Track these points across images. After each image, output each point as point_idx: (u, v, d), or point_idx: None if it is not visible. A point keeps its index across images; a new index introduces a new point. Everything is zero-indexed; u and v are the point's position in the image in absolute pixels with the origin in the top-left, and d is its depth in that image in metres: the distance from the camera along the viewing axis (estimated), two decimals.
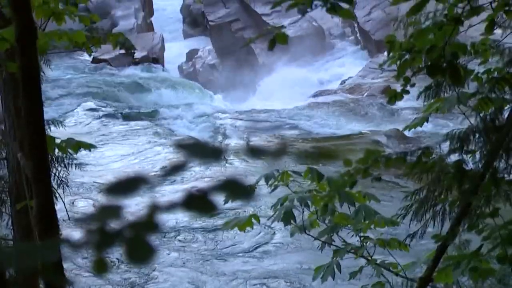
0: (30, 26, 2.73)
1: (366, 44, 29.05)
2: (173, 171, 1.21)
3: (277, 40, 3.06)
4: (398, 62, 4.04)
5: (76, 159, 8.32)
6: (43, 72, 6.65)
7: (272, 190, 5.18)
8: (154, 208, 1.19)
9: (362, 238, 5.12)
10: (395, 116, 20.33)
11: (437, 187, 5.24)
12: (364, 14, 28.89)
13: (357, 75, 25.47)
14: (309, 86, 26.32)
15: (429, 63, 3.68)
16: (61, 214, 8.83)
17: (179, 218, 12.63)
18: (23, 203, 4.43)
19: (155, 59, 27.27)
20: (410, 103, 18.40)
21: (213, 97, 25.87)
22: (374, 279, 5.01)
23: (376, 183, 4.47)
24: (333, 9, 2.92)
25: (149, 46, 27.83)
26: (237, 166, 15.64)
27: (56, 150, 4.82)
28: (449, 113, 5.48)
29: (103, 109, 21.62)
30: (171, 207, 1.20)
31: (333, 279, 4.96)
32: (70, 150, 4.77)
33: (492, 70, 4.83)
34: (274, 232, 12.28)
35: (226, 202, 2.34)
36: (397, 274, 5.05)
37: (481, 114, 5.13)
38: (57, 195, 6.52)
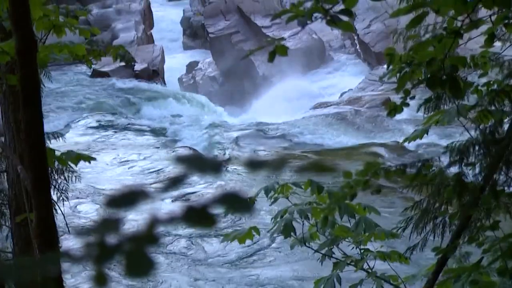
0: (30, 39, 2.74)
1: (366, 56, 29.10)
2: (172, 184, 1.21)
3: (277, 52, 3.07)
4: (398, 75, 4.05)
5: (76, 171, 8.32)
6: (43, 85, 6.65)
7: (272, 203, 5.19)
8: (154, 221, 1.19)
9: (362, 251, 5.11)
10: (395, 128, 20.34)
11: (437, 199, 5.24)
12: (364, 26, 28.95)
13: (357, 87, 25.50)
14: (309, 98, 26.35)
15: (428, 76, 3.69)
16: (60, 227, 8.82)
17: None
18: (23, 215, 4.43)
19: (155, 71, 27.31)
20: (410, 115, 18.41)
21: (214, 109, 25.89)
22: None
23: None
24: (333, 22, 2.93)
25: (149, 58, 27.87)
26: (237, 179, 15.64)
27: (56, 163, 4.82)
28: (449, 125, 5.48)
29: (103, 121, 21.63)
30: (171, 220, 1.20)
31: None
32: (70, 163, 4.77)
33: (491, 82, 4.83)
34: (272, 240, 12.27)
35: (226, 214, 2.34)
36: (397, 287, 5.04)
37: (480, 127, 5.13)
38: (56, 207, 6.51)
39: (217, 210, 1.22)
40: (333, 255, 5.11)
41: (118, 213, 1.19)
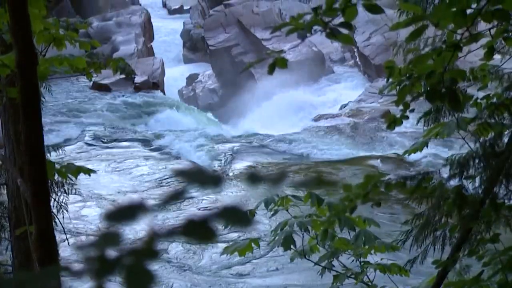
0: (31, 52, 2.75)
1: (366, 68, 29.14)
2: (172, 198, 1.21)
3: (277, 64, 3.07)
4: (397, 88, 4.05)
5: (76, 184, 8.31)
6: (43, 97, 6.66)
7: (272, 215, 5.19)
8: (154, 235, 1.19)
9: (362, 263, 5.11)
10: (394, 140, 20.34)
11: (437, 212, 5.23)
12: (364, 39, 29.00)
13: (357, 100, 25.52)
14: (309, 110, 26.37)
15: (428, 89, 3.69)
16: (60, 239, 8.81)
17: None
18: (23, 228, 4.43)
19: (155, 83, 27.34)
20: (410, 127, 18.42)
21: (213, 121, 25.90)
22: None
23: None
24: (333, 35, 2.93)
25: (149, 71, 27.90)
26: (237, 192, 15.63)
27: (56, 175, 4.81)
28: (449, 138, 5.49)
29: (103, 133, 21.63)
30: (171, 234, 1.20)
31: None
32: (70, 175, 4.77)
33: (491, 95, 4.84)
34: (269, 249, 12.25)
35: (226, 227, 2.34)
36: None
37: (480, 140, 5.13)
38: (56, 220, 6.51)
39: (217, 224, 1.22)
40: (333, 268, 5.11)
41: (117, 227, 1.19)
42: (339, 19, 2.95)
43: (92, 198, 15.37)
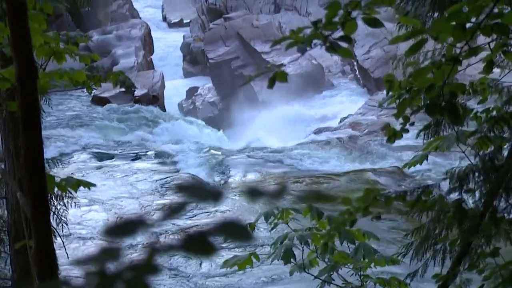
0: (31, 66, 2.75)
1: (366, 82, 29.18)
2: (172, 213, 1.21)
3: (277, 78, 3.08)
4: (397, 101, 4.06)
5: (76, 197, 8.30)
6: (43, 111, 6.66)
7: (272, 228, 5.18)
8: (153, 250, 1.19)
9: (362, 277, 5.10)
10: (394, 153, 20.34)
11: (437, 226, 5.23)
12: (363, 52, 29.05)
13: (357, 113, 25.54)
14: (309, 123, 26.40)
15: (428, 102, 3.70)
16: (60, 254, 8.79)
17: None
18: (22, 242, 4.42)
19: (155, 96, 27.36)
20: (409, 141, 18.43)
21: (213, 134, 25.91)
22: None
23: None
24: (333, 48, 2.94)
25: (149, 84, 27.93)
26: (237, 205, 15.62)
27: (56, 189, 4.81)
28: (449, 151, 5.49)
29: (103, 146, 21.64)
30: (170, 249, 1.20)
31: None
32: (69, 189, 4.76)
33: (491, 109, 4.84)
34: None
35: (225, 240, 2.34)
36: None
37: (480, 153, 5.14)
38: (56, 234, 6.50)
39: (217, 239, 1.22)
40: (333, 282, 5.10)
41: (118, 242, 1.18)
42: (339, 33, 2.95)
43: (91, 211, 15.35)
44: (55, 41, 4.72)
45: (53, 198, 7.98)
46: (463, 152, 5.07)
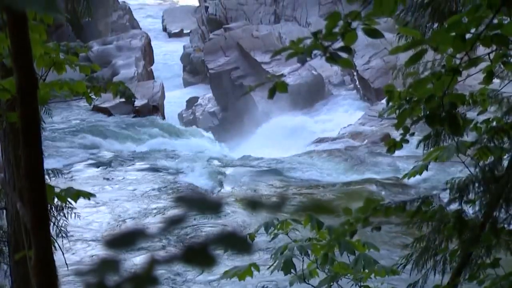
0: (31, 77, 2.75)
1: (366, 92, 29.20)
2: (172, 224, 1.20)
3: (277, 89, 3.08)
4: (397, 111, 4.06)
5: (75, 208, 8.29)
6: (43, 121, 6.67)
7: (272, 239, 5.18)
8: (153, 262, 1.19)
9: None
10: (394, 163, 20.33)
11: (437, 236, 5.22)
12: (363, 62, 29.09)
13: (357, 123, 25.55)
14: (309, 133, 26.40)
15: (428, 113, 3.70)
16: (60, 265, 8.77)
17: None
18: (22, 253, 4.41)
19: (155, 107, 27.39)
20: (409, 151, 18.41)
21: (213, 144, 25.91)
22: None
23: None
24: (333, 59, 2.94)
25: (149, 94, 27.95)
26: (236, 216, 15.60)
27: (56, 199, 4.80)
28: (449, 161, 5.49)
29: (103, 157, 21.63)
30: (170, 260, 1.20)
31: None
32: (69, 199, 4.76)
33: (490, 120, 4.85)
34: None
35: (225, 251, 2.33)
36: None
37: (480, 164, 5.14)
38: (56, 245, 6.49)
39: (217, 250, 1.22)
40: None
41: (117, 253, 1.18)
42: (339, 43, 2.96)
43: (90, 222, 15.34)
44: (55, 52, 4.73)
45: (53, 209, 7.98)
46: (463, 162, 5.07)
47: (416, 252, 6.15)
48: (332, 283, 5.06)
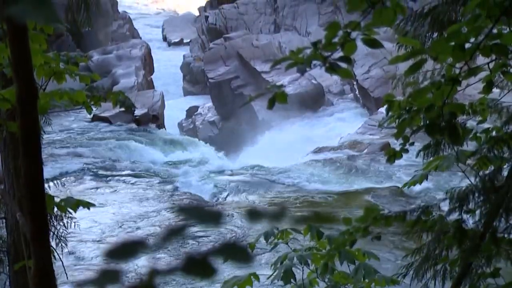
0: (31, 87, 2.75)
1: (365, 101, 29.22)
2: (173, 235, 1.20)
3: (276, 99, 3.08)
4: (397, 121, 4.06)
5: (75, 218, 8.29)
6: (43, 131, 6.67)
7: (272, 248, 5.17)
8: (154, 272, 1.19)
9: None
10: (394, 173, 20.32)
11: (437, 246, 5.22)
12: (363, 72, 29.11)
13: (356, 132, 25.55)
14: (308, 142, 26.38)
15: (427, 122, 3.70)
16: (59, 274, 8.76)
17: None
18: (21, 263, 4.41)
19: (155, 116, 27.41)
20: (409, 160, 18.41)
21: (213, 153, 25.91)
22: None
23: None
24: (332, 69, 2.94)
25: (149, 104, 27.98)
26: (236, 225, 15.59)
27: (55, 209, 4.80)
28: (449, 171, 5.49)
29: (103, 166, 21.62)
30: (171, 271, 1.20)
31: None
32: (69, 209, 4.76)
33: (490, 129, 4.85)
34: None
35: (225, 261, 2.33)
36: None
37: (480, 173, 5.13)
38: (55, 254, 6.48)
39: (217, 260, 1.22)
40: None
41: (118, 264, 1.18)
42: (339, 53, 2.96)
43: (90, 231, 15.32)
44: (55, 61, 4.73)
45: (53, 218, 7.97)
46: (463, 172, 5.07)
47: (416, 261, 6.14)
48: None
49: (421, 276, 6.10)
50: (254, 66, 31.42)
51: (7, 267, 6.58)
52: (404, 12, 3.01)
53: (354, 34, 2.91)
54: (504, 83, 6.03)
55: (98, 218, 16.12)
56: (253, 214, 1.27)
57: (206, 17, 38.50)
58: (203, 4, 45.35)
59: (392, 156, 4.39)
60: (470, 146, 4.97)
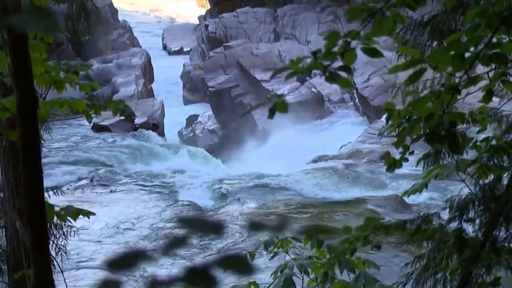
0: (31, 96, 2.75)
1: (365, 109, 29.23)
2: (174, 245, 1.20)
3: (276, 108, 3.08)
4: (397, 130, 4.06)
5: (75, 226, 8.28)
6: (43, 140, 6.67)
7: (272, 257, 5.17)
8: (154, 283, 1.19)
9: None
10: (394, 181, 20.32)
11: (437, 255, 5.21)
12: (363, 80, 29.14)
13: (356, 141, 25.55)
14: (308, 151, 26.37)
15: (427, 131, 3.70)
16: (59, 283, 8.73)
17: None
18: (21, 272, 4.40)
19: (155, 124, 27.42)
20: (409, 169, 18.41)
21: (213, 161, 25.91)
22: None
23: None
24: (332, 78, 2.95)
25: (149, 112, 28.00)
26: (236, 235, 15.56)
27: (55, 218, 4.80)
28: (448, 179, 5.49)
29: (102, 175, 21.61)
30: (171, 281, 1.20)
31: None
32: (69, 218, 4.75)
33: (490, 138, 4.85)
34: None
35: (225, 270, 2.33)
36: None
37: (480, 182, 5.13)
38: (55, 263, 6.47)
39: (217, 270, 1.22)
40: None
41: (119, 274, 1.18)
42: (338, 63, 2.96)
43: (90, 240, 15.30)
44: (55, 70, 4.74)
45: (53, 227, 7.96)
46: (463, 180, 5.07)
47: (416, 270, 6.14)
48: None
49: (421, 285, 6.09)
50: (254, 74, 31.45)
51: (7, 276, 6.57)
52: (404, 21, 3.01)
53: (354, 43, 2.91)
54: (503, 92, 6.03)
55: (98, 227, 16.09)
56: (254, 224, 1.27)
57: (206, 26, 38.55)
58: (203, 13, 45.45)
59: (392, 165, 4.39)
60: (470, 154, 4.97)
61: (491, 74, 3.67)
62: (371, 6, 2.95)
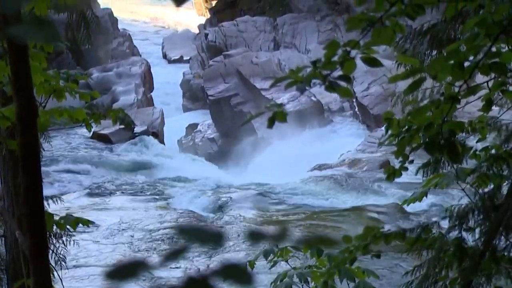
0: (31, 105, 2.76)
1: (365, 118, 29.24)
2: (173, 255, 1.20)
3: (276, 118, 3.09)
4: (396, 139, 4.07)
5: (74, 235, 8.27)
6: (43, 149, 6.67)
7: (272, 267, 5.17)
8: None
9: None
10: (394, 190, 20.30)
11: (437, 264, 5.21)
12: (362, 89, 29.15)
13: (356, 149, 25.55)
14: (308, 160, 26.36)
15: (427, 141, 3.71)
16: None
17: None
18: (21, 281, 4.40)
19: (155, 133, 27.42)
20: (409, 177, 18.38)
21: (213, 170, 25.91)
22: None
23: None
24: (332, 87, 2.95)
25: (149, 121, 28.00)
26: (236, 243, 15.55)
27: (55, 227, 4.80)
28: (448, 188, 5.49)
29: (102, 184, 21.61)
30: None
31: None
32: (68, 227, 4.75)
33: (489, 147, 4.85)
34: None
35: (225, 280, 2.32)
36: None
37: (480, 191, 5.14)
38: (54, 272, 6.46)
39: (217, 280, 1.21)
40: None
41: (117, 285, 1.18)
42: (338, 72, 2.97)
43: (89, 250, 15.28)
44: (55, 79, 4.75)
45: (52, 236, 7.96)
46: (463, 189, 5.07)
47: (416, 279, 6.13)
48: None
49: None
50: (253, 83, 31.46)
51: (6, 286, 6.56)
52: (403, 30, 3.02)
53: (353, 53, 2.92)
54: (503, 101, 6.04)
55: (96, 235, 16.07)
56: (253, 233, 1.27)
57: (206, 35, 38.58)
58: (203, 22, 45.48)
59: (392, 174, 4.39)
60: (469, 164, 4.97)
61: (490, 83, 3.68)
62: (370, 15, 2.95)
